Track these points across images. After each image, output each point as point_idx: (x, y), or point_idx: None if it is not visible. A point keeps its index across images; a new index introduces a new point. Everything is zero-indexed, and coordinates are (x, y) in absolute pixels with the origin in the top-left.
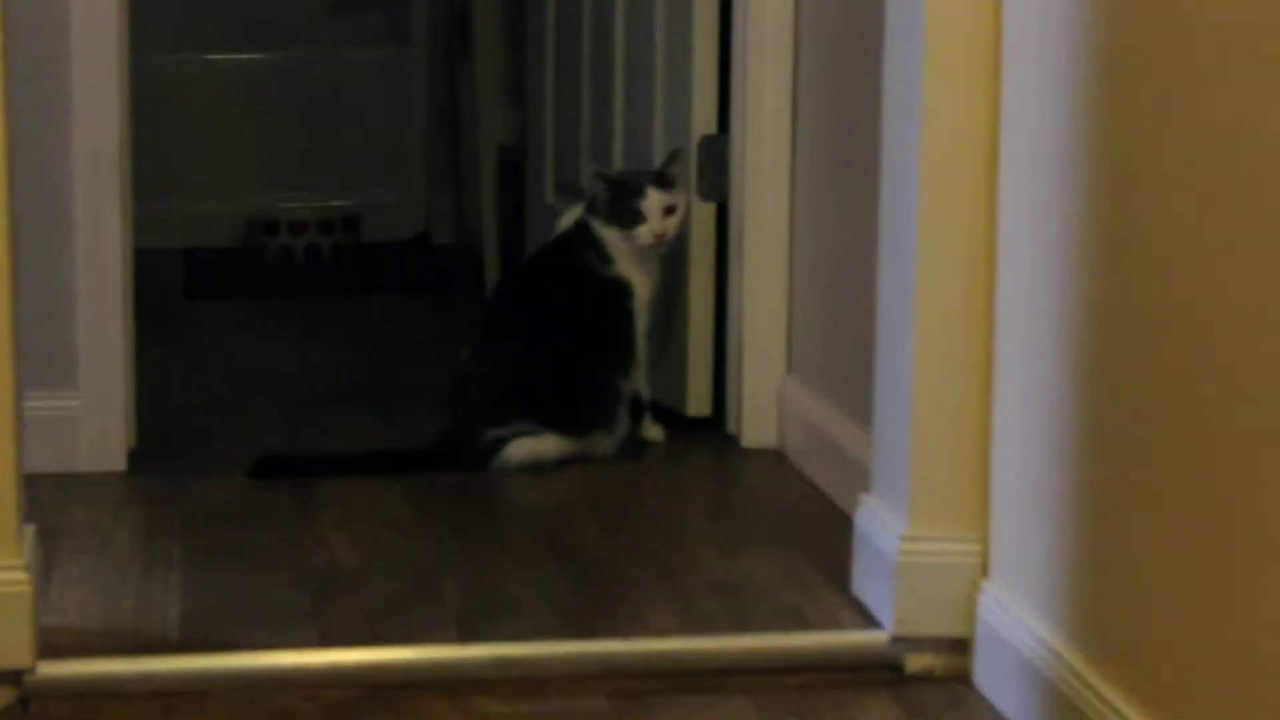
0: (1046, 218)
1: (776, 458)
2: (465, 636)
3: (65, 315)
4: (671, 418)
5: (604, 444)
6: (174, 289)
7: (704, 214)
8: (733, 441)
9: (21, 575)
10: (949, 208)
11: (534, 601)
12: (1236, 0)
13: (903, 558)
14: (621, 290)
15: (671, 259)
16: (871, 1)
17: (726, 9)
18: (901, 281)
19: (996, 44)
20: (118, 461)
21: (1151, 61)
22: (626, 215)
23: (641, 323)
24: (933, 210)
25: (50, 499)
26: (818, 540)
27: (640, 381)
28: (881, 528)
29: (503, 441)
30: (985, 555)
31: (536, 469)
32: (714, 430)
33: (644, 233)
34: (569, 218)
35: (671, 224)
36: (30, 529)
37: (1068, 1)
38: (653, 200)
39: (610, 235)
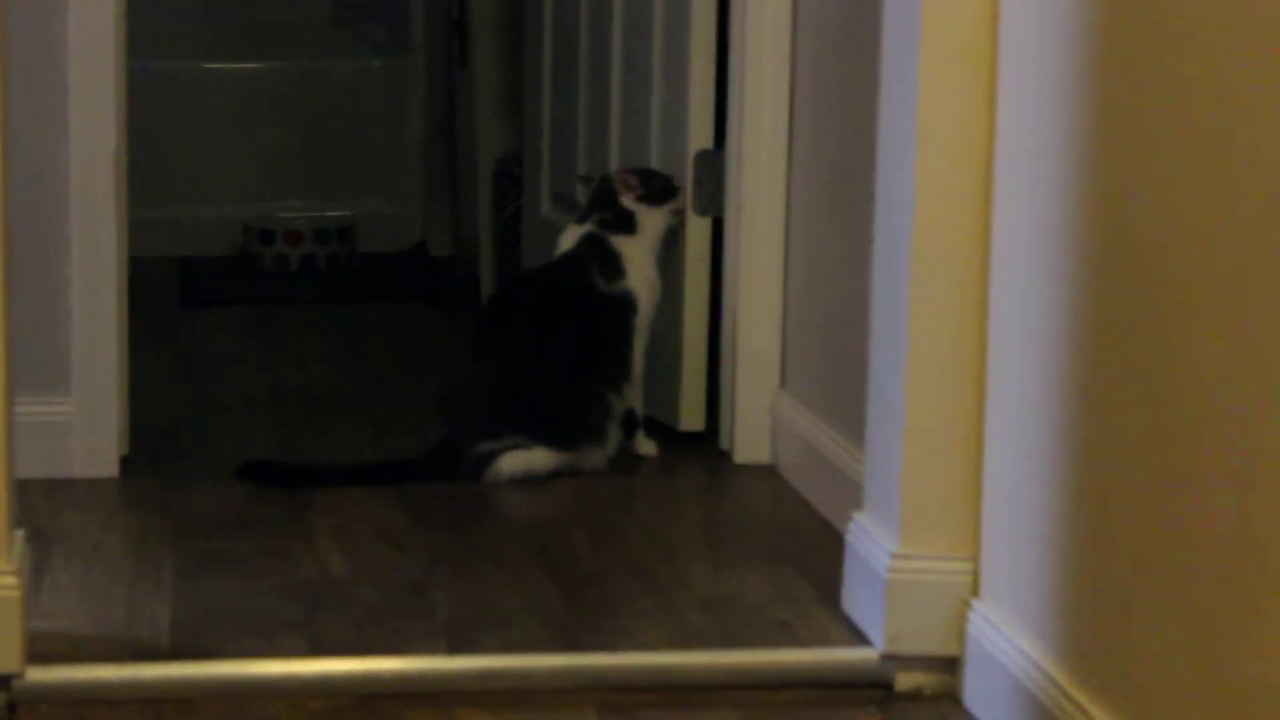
0: (1041, 239)
1: (769, 473)
2: (454, 648)
3: (59, 321)
4: (665, 432)
5: (596, 459)
6: (170, 296)
7: (700, 229)
8: (725, 457)
9: (11, 580)
10: (943, 228)
11: (523, 614)
12: (1232, 24)
13: (893, 575)
14: (626, 306)
15: (667, 274)
16: (869, 18)
17: (724, 23)
18: (895, 300)
19: (993, 62)
20: (110, 468)
21: (1148, 82)
22: (666, 191)
23: (641, 339)
24: (927, 230)
25: (42, 504)
26: (809, 556)
27: (635, 397)
28: (873, 545)
29: (494, 454)
30: (976, 574)
31: (528, 482)
32: (707, 445)
33: (679, 199)
34: (571, 234)
35: None
36: (20, 534)
37: (1065, 21)
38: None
39: (625, 244)
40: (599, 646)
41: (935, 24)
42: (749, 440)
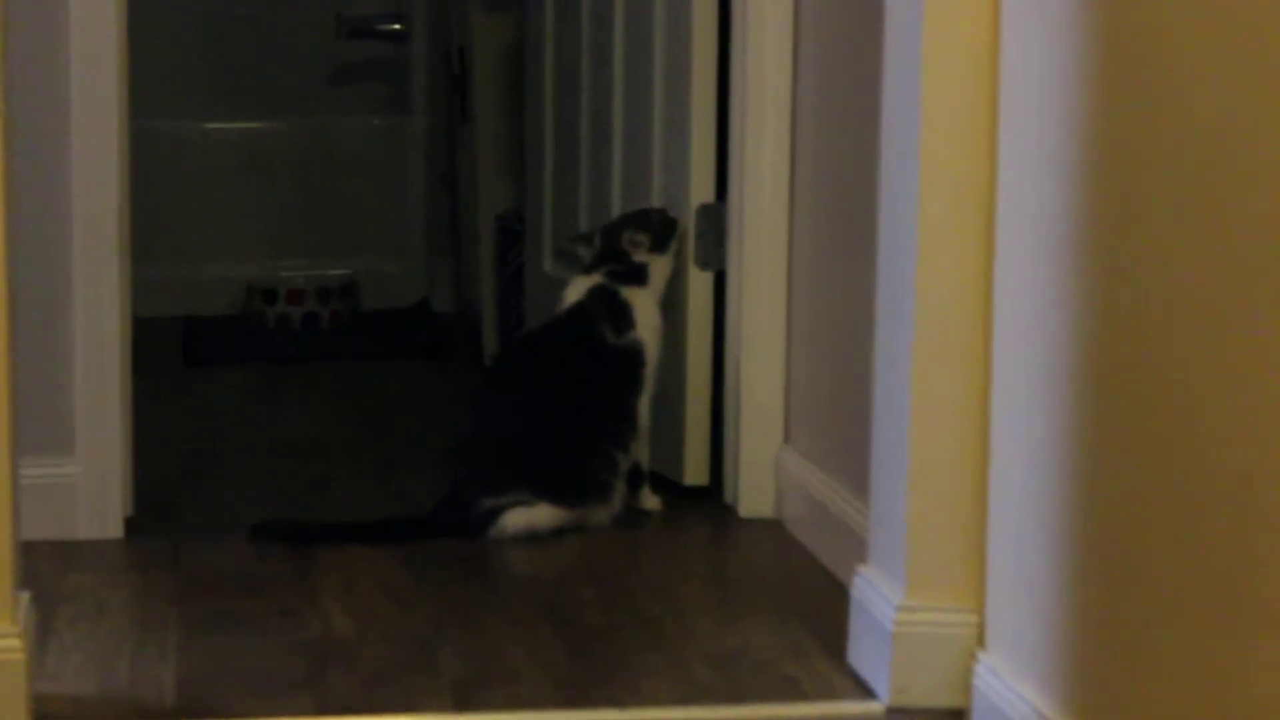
0: (1044, 291)
1: (774, 528)
2: (461, 705)
3: (63, 382)
4: (669, 487)
5: (600, 515)
6: (173, 356)
7: (702, 283)
8: (730, 511)
9: (16, 643)
10: (947, 277)
11: (531, 670)
12: (1233, 29)
13: (899, 628)
14: (634, 357)
15: (669, 330)
16: (869, 69)
17: (724, 76)
18: (898, 351)
19: (995, 111)
20: (115, 528)
21: (1150, 114)
22: (668, 231)
23: (648, 390)
24: (930, 286)
25: (47, 566)
26: (815, 610)
27: (640, 451)
28: (878, 597)
29: (499, 511)
30: (982, 626)
31: (533, 538)
32: (711, 500)
33: (679, 231)
34: (576, 288)
35: None
36: (25, 596)
37: (1065, 61)
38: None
39: (635, 295)
40: (607, 702)
41: (936, 75)
42: (753, 494)
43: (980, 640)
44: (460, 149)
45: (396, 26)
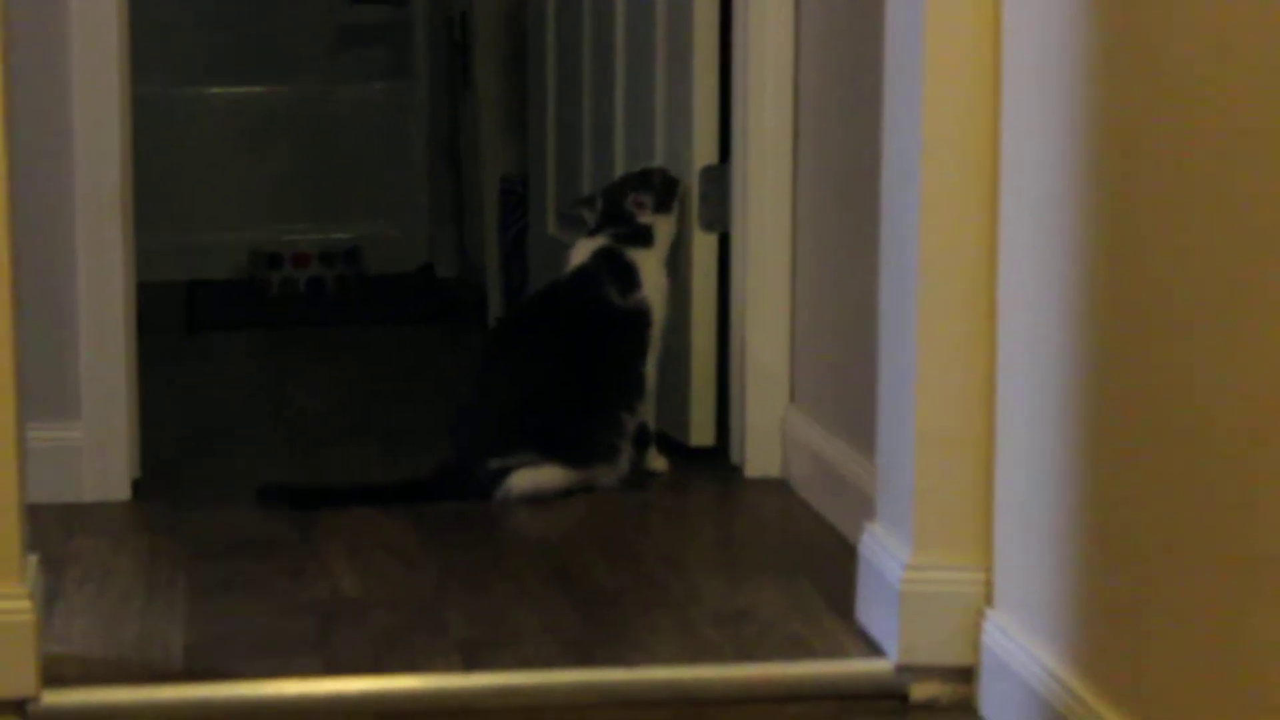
0: (1049, 248)
1: (781, 487)
2: (469, 665)
3: (68, 346)
4: (675, 447)
5: (607, 476)
6: (177, 322)
7: (706, 244)
8: (737, 471)
9: (25, 604)
10: (950, 236)
11: (537, 631)
12: (1231, 29)
13: (907, 586)
14: (641, 319)
15: (674, 291)
16: (872, 30)
17: (726, 38)
18: (903, 309)
19: (997, 71)
20: (121, 491)
21: (1149, 87)
22: (670, 189)
23: (654, 351)
24: (934, 240)
25: (54, 529)
26: (822, 569)
27: (647, 411)
28: (886, 556)
29: (506, 472)
30: (990, 584)
31: (539, 499)
32: (718, 460)
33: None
34: (581, 250)
35: None
36: (33, 559)
37: (1067, 30)
38: None
39: (640, 256)
40: (613, 662)
41: (938, 37)
42: (760, 454)
43: (988, 598)
44: (462, 113)
45: None
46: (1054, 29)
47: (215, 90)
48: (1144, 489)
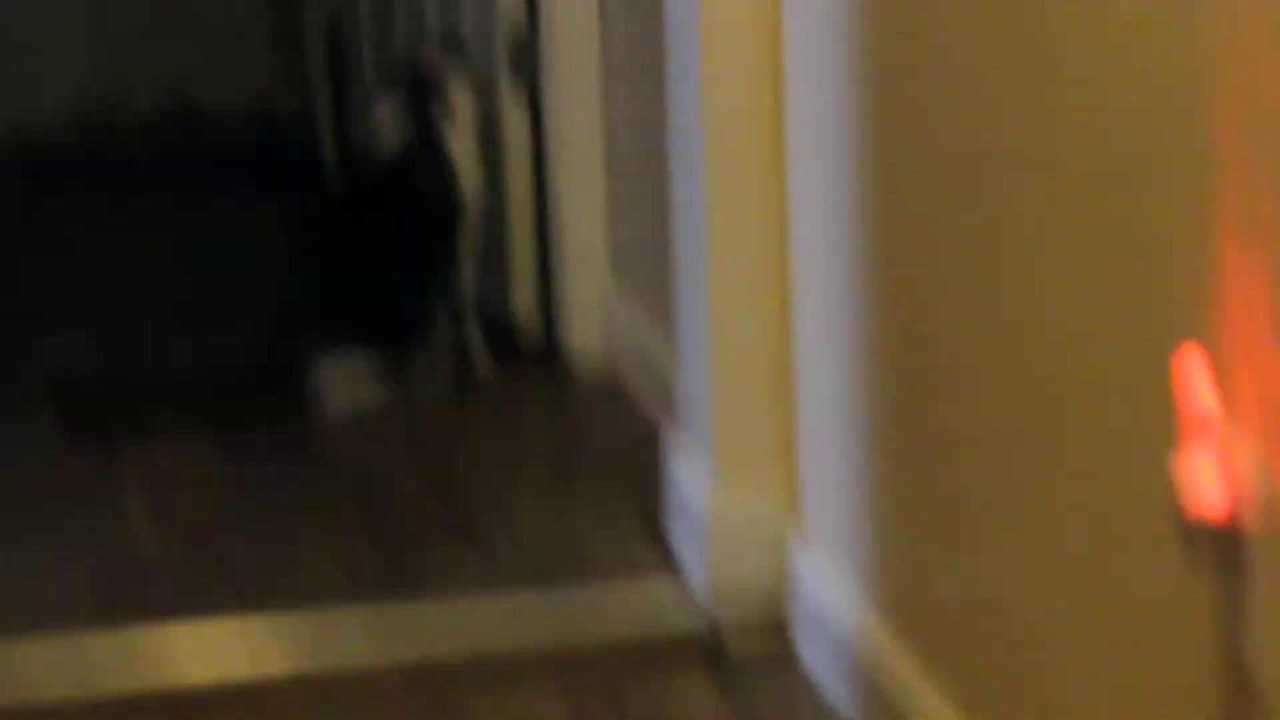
0: (833, 139)
1: (607, 386)
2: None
3: None
4: (502, 333)
5: (424, 375)
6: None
7: (518, 118)
8: (564, 367)
9: None
10: (736, 136)
11: (329, 566)
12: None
13: (713, 525)
14: (452, 201)
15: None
16: None
17: None
18: (694, 222)
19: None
20: None
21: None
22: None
23: (469, 235)
24: (719, 144)
25: None
26: (640, 480)
27: (467, 306)
28: (691, 483)
29: (321, 367)
30: (794, 514)
31: (356, 402)
32: (546, 358)
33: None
34: (388, 124)
35: None
36: None
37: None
38: None
39: (448, 136)
40: (411, 599)
41: None
42: (584, 335)
43: (793, 529)
44: None
45: None
46: None
47: None
48: (933, 414)
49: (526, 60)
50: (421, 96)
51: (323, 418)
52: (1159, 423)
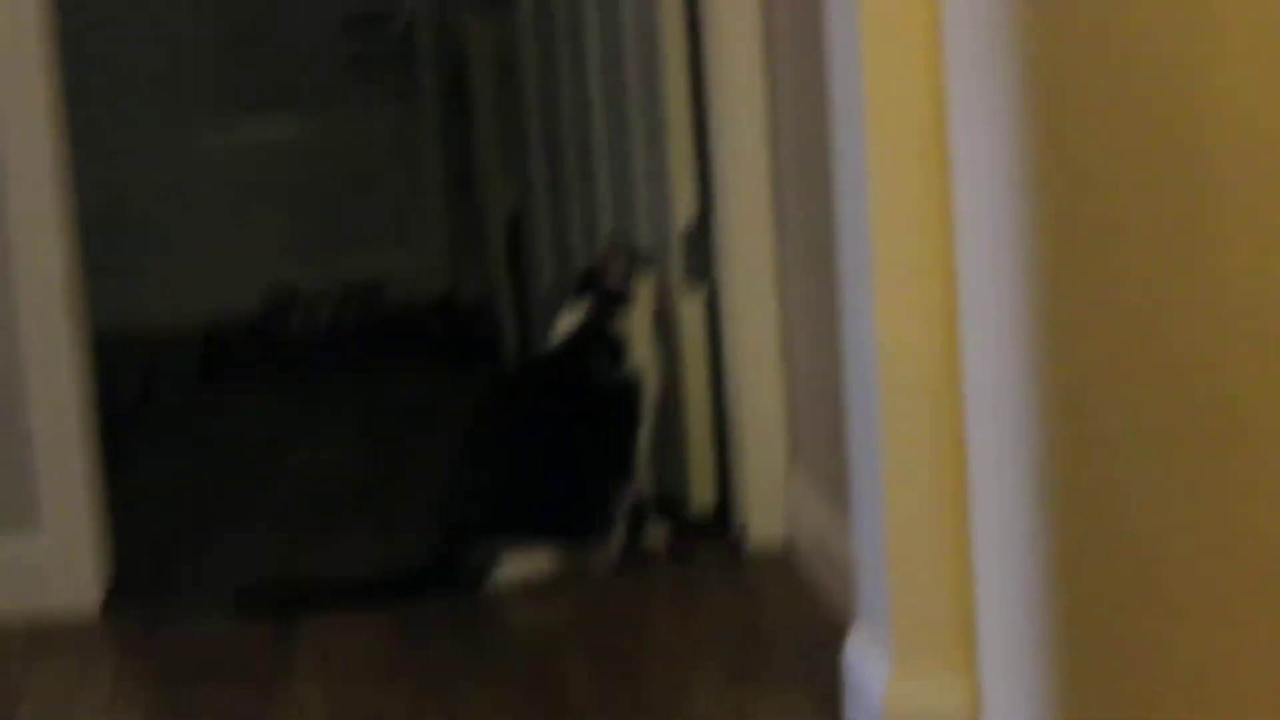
0: (1011, 339)
1: (782, 567)
2: None
3: (22, 457)
4: (677, 514)
5: (600, 556)
6: (189, 370)
7: (694, 308)
8: (737, 547)
9: None
10: (910, 329)
11: None
12: None
13: (890, 706)
14: (631, 391)
15: (666, 356)
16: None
17: (700, 92)
18: (868, 403)
19: (943, 139)
20: (89, 602)
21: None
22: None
23: (647, 423)
24: (892, 333)
25: (14, 654)
26: (818, 668)
27: (642, 487)
28: (868, 669)
29: (492, 560)
30: (976, 697)
31: (530, 588)
32: (719, 533)
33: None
34: (567, 320)
35: None
36: None
37: (1006, 101)
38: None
39: (625, 324)
40: None
41: (879, 96)
42: (762, 520)
43: (975, 713)
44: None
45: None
46: (997, 90)
47: (222, 127)
48: (1112, 599)
49: (700, 252)
50: (608, 309)
51: (496, 588)
52: None
